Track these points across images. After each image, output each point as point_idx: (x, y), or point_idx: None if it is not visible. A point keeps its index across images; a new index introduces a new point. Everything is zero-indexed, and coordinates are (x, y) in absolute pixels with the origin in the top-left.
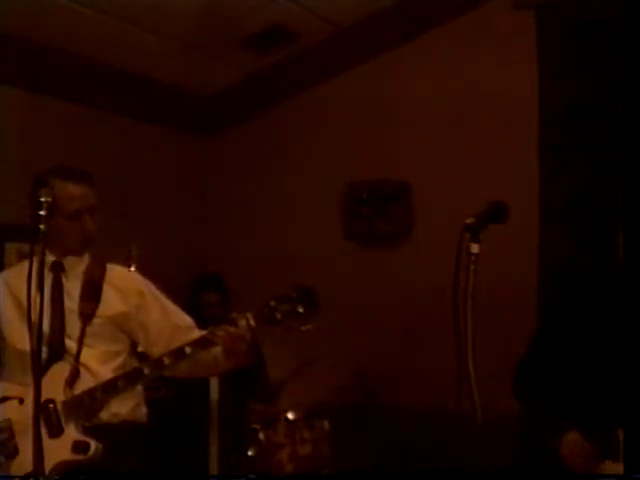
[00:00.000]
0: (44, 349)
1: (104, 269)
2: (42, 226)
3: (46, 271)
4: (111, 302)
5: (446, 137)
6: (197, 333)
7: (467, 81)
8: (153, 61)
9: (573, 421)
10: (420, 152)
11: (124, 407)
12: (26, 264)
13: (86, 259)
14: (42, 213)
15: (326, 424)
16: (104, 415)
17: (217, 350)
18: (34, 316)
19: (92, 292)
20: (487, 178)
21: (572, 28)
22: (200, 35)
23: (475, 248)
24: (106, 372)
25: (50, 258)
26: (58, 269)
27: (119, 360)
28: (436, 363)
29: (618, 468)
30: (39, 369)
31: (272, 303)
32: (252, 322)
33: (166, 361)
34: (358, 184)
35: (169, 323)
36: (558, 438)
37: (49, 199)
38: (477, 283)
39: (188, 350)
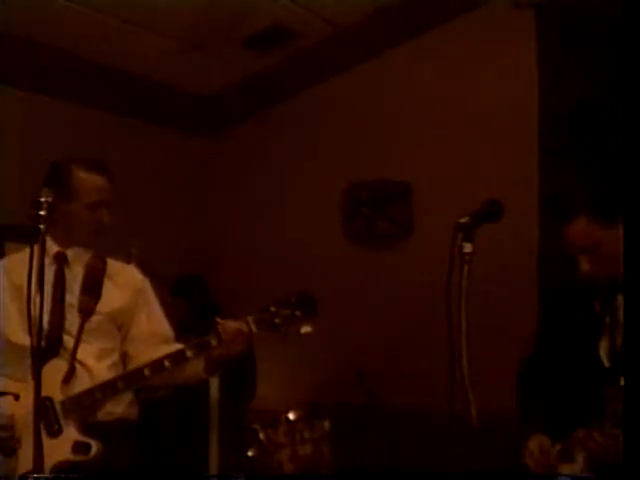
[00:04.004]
0: (41, 344)
1: (105, 263)
2: (42, 226)
3: (49, 261)
4: (110, 298)
5: (446, 137)
6: (173, 345)
7: (467, 81)
8: (153, 61)
9: (541, 424)
10: (420, 152)
11: (118, 406)
12: (27, 252)
13: (89, 252)
14: (42, 213)
15: (326, 424)
16: (99, 414)
17: (194, 364)
18: (34, 311)
19: (93, 287)
20: (487, 178)
21: (572, 28)
22: (200, 35)
23: (468, 247)
24: (102, 369)
25: (54, 248)
26: (61, 260)
27: (114, 357)
28: (436, 363)
29: (571, 469)
30: (39, 366)
31: (272, 308)
32: (253, 327)
33: (167, 364)
34: (358, 184)
35: (148, 327)
36: (525, 440)
37: (49, 199)
38: (474, 283)
39: (167, 363)
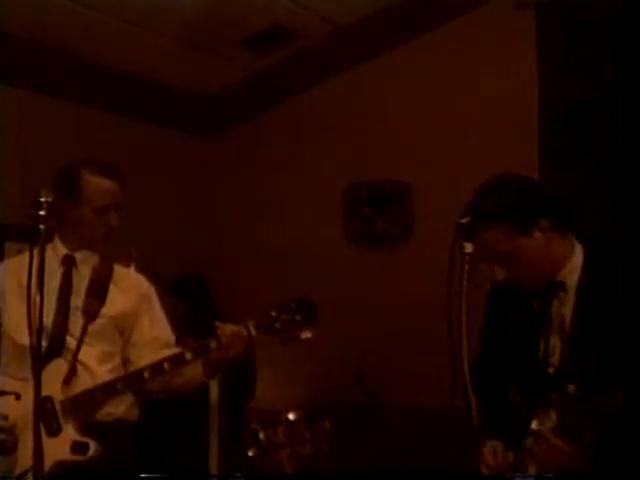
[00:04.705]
0: (43, 344)
1: (112, 268)
2: (42, 226)
3: (57, 264)
4: (115, 302)
5: (446, 137)
6: (173, 351)
7: (467, 81)
8: (153, 61)
9: (495, 428)
10: (420, 152)
11: (119, 407)
12: (35, 254)
13: (97, 255)
14: (42, 213)
15: (326, 424)
16: (99, 414)
17: (193, 367)
18: (34, 311)
19: (98, 291)
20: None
21: (572, 28)
22: (200, 35)
23: (469, 247)
24: (103, 372)
25: (62, 251)
26: (70, 263)
27: (115, 361)
28: (436, 363)
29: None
30: (38, 366)
31: (273, 313)
32: (253, 331)
33: (166, 367)
34: (358, 184)
35: (150, 333)
36: (479, 445)
37: (49, 199)
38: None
39: (166, 366)
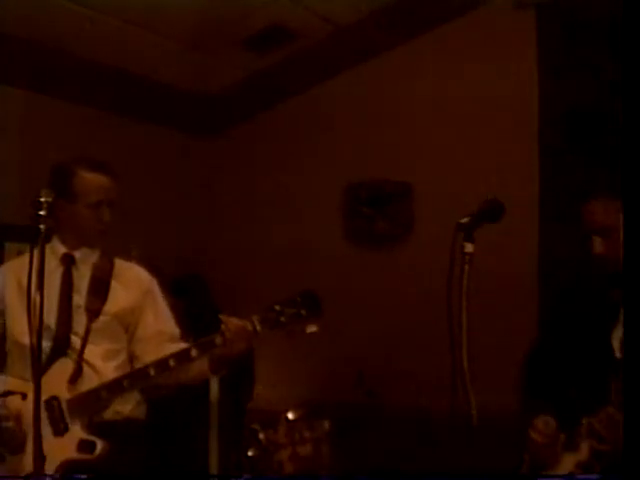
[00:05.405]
0: (48, 344)
1: (112, 264)
2: (42, 226)
3: (56, 263)
4: (117, 298)
5: (446, 137)
6: (179, 344)
7: (467, 81)
8: (153, 61)
9: (548, 405)
10: (420, 152)
11: (126, 406)
12: (35, 254)
13: (97, 252)
14: (42, 213)
15: (326, 424)
16: (106, 413)
17: (199, 363)
18: (35, 311)
19: (100, 288)
20: (487, 178)
21: (572, 28)
22: (200, 35)
23: (469, 247)
24: (109, 370)
25: (61, 250)
26: (69, 261)
27: (121, 358)
28: (436, 363)
29: (576, 458)
30: (39, 366)
31: (277, 307)
32: (258, 326)
33: (172, 364)
34: (358, 184)
35: (155, 327)
36: (531, 419)
37: (49, 199)
38: (474, 283)
39: (172, 363)
